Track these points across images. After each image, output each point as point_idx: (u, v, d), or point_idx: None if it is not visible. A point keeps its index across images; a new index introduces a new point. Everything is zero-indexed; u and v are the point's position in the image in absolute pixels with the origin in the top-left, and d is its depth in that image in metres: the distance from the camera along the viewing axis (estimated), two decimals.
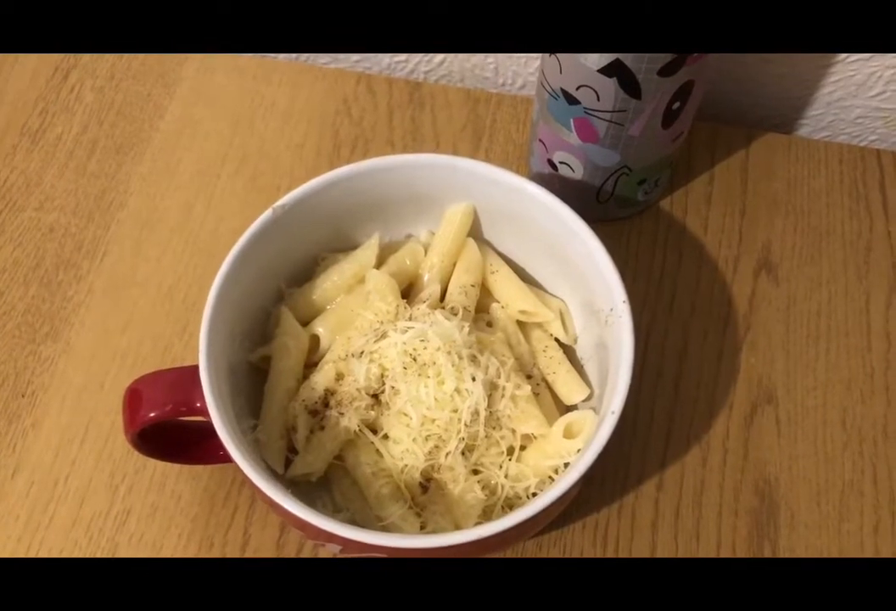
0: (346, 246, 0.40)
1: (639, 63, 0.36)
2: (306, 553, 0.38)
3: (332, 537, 0.31)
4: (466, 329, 0.36)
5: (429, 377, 0.34)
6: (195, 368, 0.33)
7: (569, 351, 0.39)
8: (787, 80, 0.50)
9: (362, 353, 0.36)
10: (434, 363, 0.34)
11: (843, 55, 0.48)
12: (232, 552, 0.38)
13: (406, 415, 0.35)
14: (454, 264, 0.40)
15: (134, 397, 0.34)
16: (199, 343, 0.33)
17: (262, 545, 0.38)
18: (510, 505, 0.35)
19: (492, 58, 0.52)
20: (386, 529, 0.34)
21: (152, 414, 0.33)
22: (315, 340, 0.38)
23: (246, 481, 0.32)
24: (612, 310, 0.35)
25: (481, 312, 0.40)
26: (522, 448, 0.36)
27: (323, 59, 0.55)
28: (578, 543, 0.39)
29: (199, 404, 0.33)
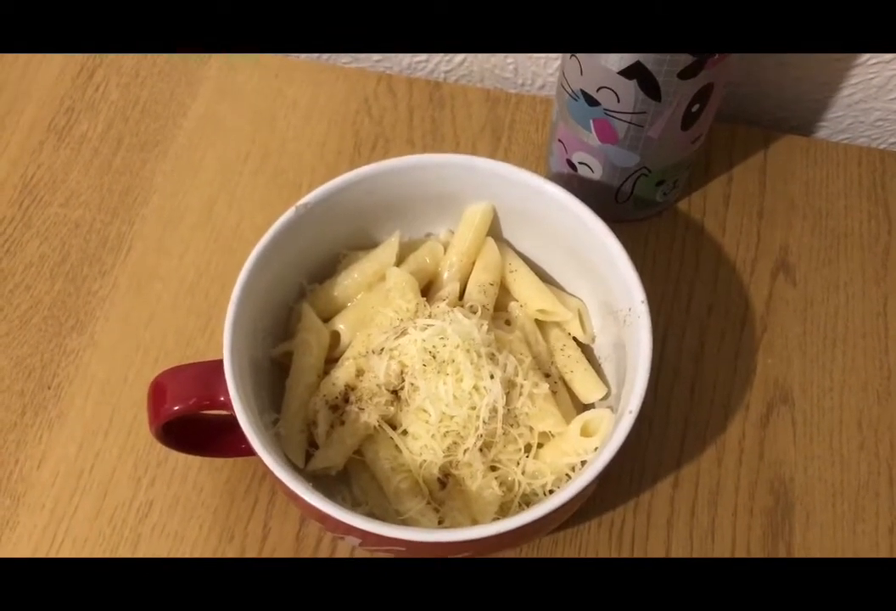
0: (367, 244, 0.41)
1: (659, 65, 0.36)
2: (325, 546, 0.39)
3: (351, 530, 0.31)
4: (485, 327, 0.36)
5: (448, 375, 0.35)
6: (219, 363, 0.33)
7: (586, 350, 0.40)
8: (806, 82, 0.50)
9: (382, 349, 0.36)
10: (453, 361, 0.35)
11: (864, 58, 0.48)
12: (252, 544, 0.39)
13: (425, 411, 0.35)
14: (473, 263, 0.40)
15: (158, 391, 0.34)
16: (224, 338, 0.33)
17: (282, 538, 0.39)
18: (527, 502, 0.36)
19: (511, 58, 0.53)
20: (404, 523, 0.35)
21: (176, 407, 0.34)
22: (336, 336, 0.38)
23: (267, 473, 0.32)
24: (630, 310, 0.35)
25: (500, 310, 0.40)
26: (540, 446, 0.36)
27: (344, 58, 0.55)
28: (594, 540, 0.39)
29: (222, 398, 0.33)
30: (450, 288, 0.39)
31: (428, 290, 0.40)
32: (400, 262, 0.40)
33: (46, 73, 0.51)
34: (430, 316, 0.37)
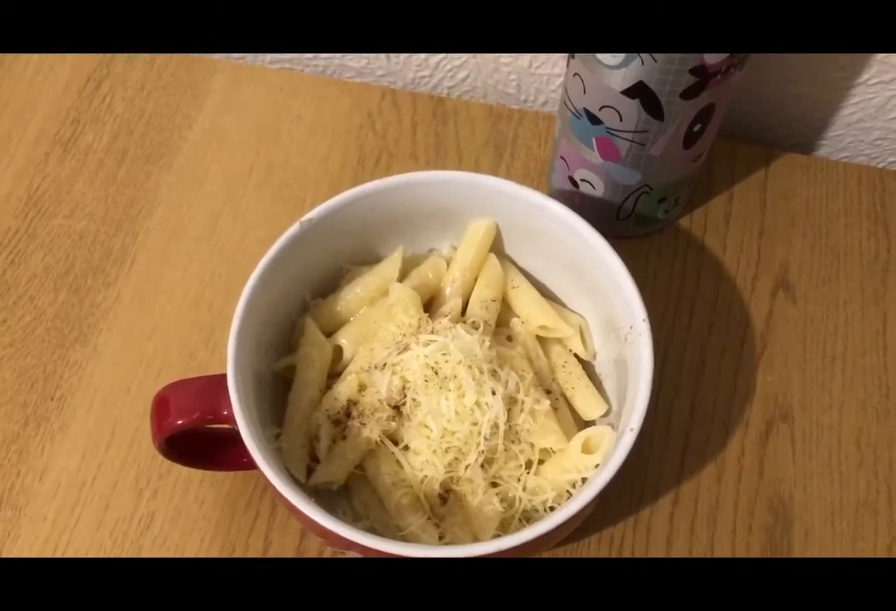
0: (370, 259, 0.41)
1: (662, 85, 0.37)
2: None
3: (352, 545, 0.31)
4: (487, 343, 0.36)
5: (450, 390, 0.35)
6: (222, 377, 0.34)
7: (588, 367, 0.40)
8: (806, 101, 0.51)
9: (385, 365, 0.36)
10: (455, 377, 0.35)
11: (864, 77, 0.48)
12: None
13: (427, 427, 0.35)
14: (475, 279, 0.40)
15: (162, 405, 0.35)
16: (228, 352, 0.33)
17: (283, 551, 0.39)
18: (527, 518, 0.36)
19: (514, 75, 0.53)
20: (405, 538, 0.35)
21: (180, 421, 0.34)
22: (338, 350, 0.39)
23: (269, 487, 0.32)
24: (631, 328, 0.35)
25: (501, 326, 0.40)
26: (540, 462, 0.36)
27: (348, 73, 0.56)
28: (594, 555, 0.39)
29: (225, 412, 0.33)
30: (452, 304, 0.39)
31: (430, 305, 0.40)
32: (402, 277, 0.40)
33: (53, 85, 0.52)
34: (432, 332, 0.37)
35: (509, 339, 0.40)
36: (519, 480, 0.36)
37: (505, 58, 0.52)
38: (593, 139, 0.41)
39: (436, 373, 0.35)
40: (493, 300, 0.39)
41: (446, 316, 0.38)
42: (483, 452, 0.35)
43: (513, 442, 0.36)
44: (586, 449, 0.35)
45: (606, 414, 0.38)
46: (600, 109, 0.39)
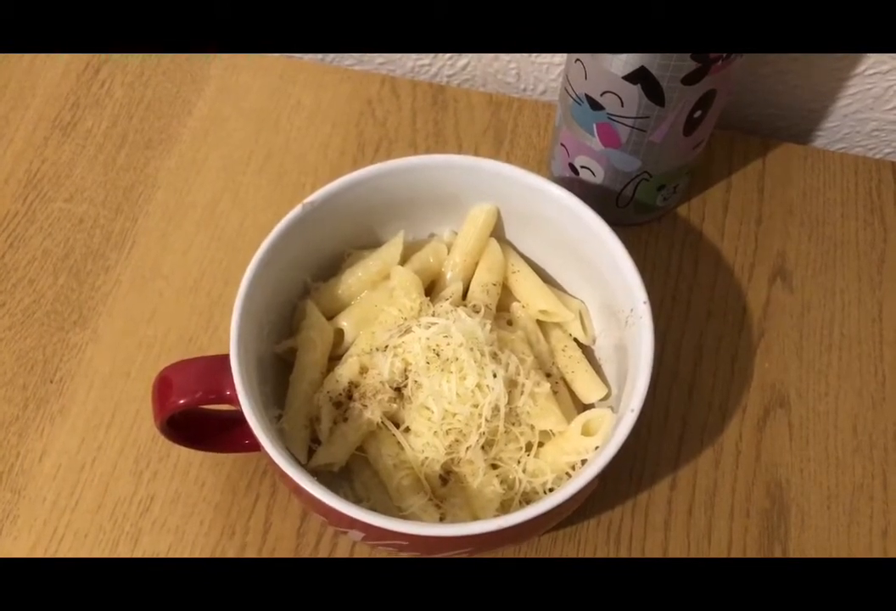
0: (372, 243, 0.41)
1: (663, 71, 0.37)
2: (326, 542, 0.39)
3: (354, 524, 0.32)
4: (488, 326, 0.36)
5: (451, 372, 0.35)
6: (224, 357, 0.34)
7: (587, 352, 0.40)
8: (804, 92, 0.51)
9: (386, 347, 0.36)
10: (456, 359, 0.35)
11: (861, 68, 0.49)
12: (253, 540, 0.39)
13: (428, 409, 0.35)
14: (476, 263, 0.40)
15: (164, 384, 0.35)
16: (231, 332, 0.33)
17: (283, 533, 0.39)
18: (527, 500, 0.36)
19: (514, 63, 0.53)
20: (406, 519, 0.35)
21: (182, 401, 0.34)
22: (339, 333, 0.39)
23: (272, 468, 0.32)
24: (632, 311, 0.35)
25: (502, 311, 0.40)
26: (540, 444, 0.37)
27: (348, 60, 0.56)
28: (592, 539, 0.39)
29: (228, 392, 0.33)
30: (453, 288, 0.39)
31: (431, 290, 0.40)
32: (403, 261, 0.40)
33: (52, 70, 0.52)
34: (433, 315, 0.37)
35: (510, 323, 0.40)
36: (519, 462, 0.36)
37: None
38: (594, 125, 0.41)
39: (437, 355, 0.35)
40: (494, 285, 0.40)
41: (447, 300, 0.38)
42: (484, 434, 0.35)
43: (513, 424, 0.36)
44: (586, 432, 0.35)
45: (606, 398, 0.39)
46: (602, 95, 0.39)
